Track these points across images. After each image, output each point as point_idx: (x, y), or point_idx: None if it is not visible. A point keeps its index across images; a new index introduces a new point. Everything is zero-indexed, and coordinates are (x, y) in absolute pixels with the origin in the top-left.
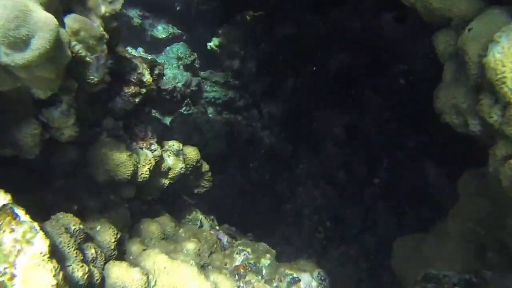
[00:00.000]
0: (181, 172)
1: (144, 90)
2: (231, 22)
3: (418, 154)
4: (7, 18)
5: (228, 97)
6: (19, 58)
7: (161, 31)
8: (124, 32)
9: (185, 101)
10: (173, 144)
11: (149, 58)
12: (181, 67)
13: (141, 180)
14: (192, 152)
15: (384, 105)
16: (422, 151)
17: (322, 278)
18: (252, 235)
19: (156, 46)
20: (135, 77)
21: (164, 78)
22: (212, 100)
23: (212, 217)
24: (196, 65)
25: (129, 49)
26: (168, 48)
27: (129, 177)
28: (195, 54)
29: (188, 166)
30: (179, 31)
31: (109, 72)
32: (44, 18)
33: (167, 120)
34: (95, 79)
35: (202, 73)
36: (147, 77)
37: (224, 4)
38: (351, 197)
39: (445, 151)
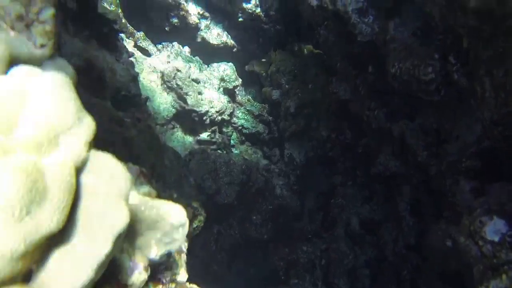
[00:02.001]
0: None
1: None
2: (286, 49)
3: None
4: None
5: (256, 130)
6: None
7: (214, 36)
8: (178, 26)
9: (213, 128)
10: None
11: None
12: (221, 89)
13: None
14: None
15: None
16: None
17: None
18: None
19: (204, 49)
20: None
21: (200, 95)
22: (240, 127)
23: None
24: (237, 91)
25: (175, 44)
26: (215, 64)
27: None
28: (240, 80)
29: None
30: (232, 42)
31: None
32: None
33: (187, 139)
34: None
35: (240, 96)
36: None
37: (285, 29)
38: None
39: None
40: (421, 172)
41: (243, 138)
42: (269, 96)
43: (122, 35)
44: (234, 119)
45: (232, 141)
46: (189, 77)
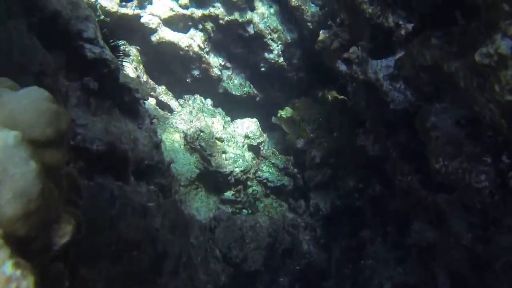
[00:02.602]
0: None
1: None
2: (310, 95)
3: None
4: None
5: (281, 183)
6: None
7: (237, 86)
8: (199, 78)
9: (237, 188)
10: None
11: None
12: (246, 146)
13: None
14: None
15: None
16: None
17: None
18: None
19: (227, 100)
20: None
21: (225, 154)
22: (264, 180)
23: None
24: (261, 147)
25: (198, 98)
26: (239, 121)
27: None
28: (264, 135)
29: None
30: (255, 91)
31: None
32: None
33: (211, 199)
34: None
35: (264, 150)
36: None
37: (308, 76)
38: None
39: None
40: (465, 252)
41: (268, 192)
42: (293, 145)
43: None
44: (259, 173)
45: (258, 200)
46: (212, 137)
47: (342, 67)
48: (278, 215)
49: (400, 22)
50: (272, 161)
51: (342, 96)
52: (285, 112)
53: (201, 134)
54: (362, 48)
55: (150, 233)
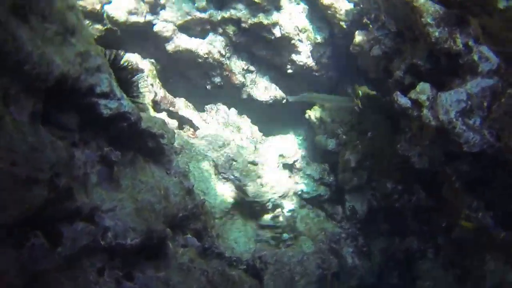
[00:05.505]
0: None
1: None
2: (340, 93)
3: None
4: None
5: (317, 194)
6: None
7: (262, 90)
8: (220, 85)
9: (276, 212)
10: None
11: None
12: (281, 165)
13: None
14: None
15: None
16: None
17: None
18: None
19: (251, 106)
20: None
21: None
22: (299, 192)
23: None
24: (297, 164)
25: (221, 108)
26: (272, 138)
27: None
28: (299, 152)
29: None
30: (281, 93)
31: None
32: None
33: (249, 226)
34: None
35: (297, 163)
36: None
37: (338, 76)
38: None
39: None
40: None
41: (304, 203)
42: (324, 146)
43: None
44: (295, 186)
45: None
46: (246, 165)
47: (403, 101)
48: (318, 230)
49: (470, 43)
50: (308, 173)
51: (373, 92)
52: (314, 112)
53: (234, 163)
54: (416, 69)
55: None
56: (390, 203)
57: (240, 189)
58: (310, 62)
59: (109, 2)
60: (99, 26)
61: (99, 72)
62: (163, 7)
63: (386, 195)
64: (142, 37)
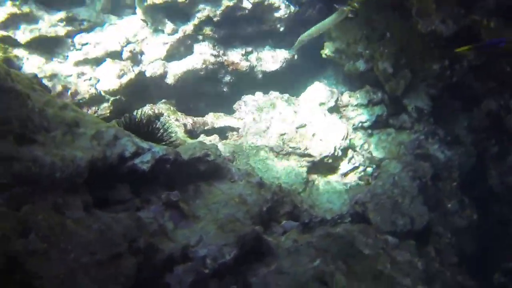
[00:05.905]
0: None
1: None
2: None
3: None
4: None
5: (375, 116)
6: None
7: (270, 61)
8: (232, 81)
9: (349, 157)
10: None
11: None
12: (326, 112)
13: None
14: None
15: None
16: None
17: None
18: None
19: (269, 80)
20: None
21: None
22: (360, 125)
23: None
24: (341, 103)
25: (247, 98)
26: (304, 95)
27: None
28: (336, 90)
29: None
30: (290, 52)
31: None
32: None
33: (334, 184)
34: None
35: (341, 99)
36: None
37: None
38: None
39: None
40: None
41: (369, 131)
42: (356, 70)
43: None
44: (349, 120)
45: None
46: (295, 131)
47: None
48: (396, 147)
49: None
50: (355, 104)
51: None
52: (328, 48)
53: (284, 137)
54: None
55: None
56: (446, 82)
57: (304, 155)
58: (293, 9)
59: (98, 81)
60: (105, 105)
61: (118, 140)
62: (141, 53)
63: (439, 76)
64: (142, 87)
